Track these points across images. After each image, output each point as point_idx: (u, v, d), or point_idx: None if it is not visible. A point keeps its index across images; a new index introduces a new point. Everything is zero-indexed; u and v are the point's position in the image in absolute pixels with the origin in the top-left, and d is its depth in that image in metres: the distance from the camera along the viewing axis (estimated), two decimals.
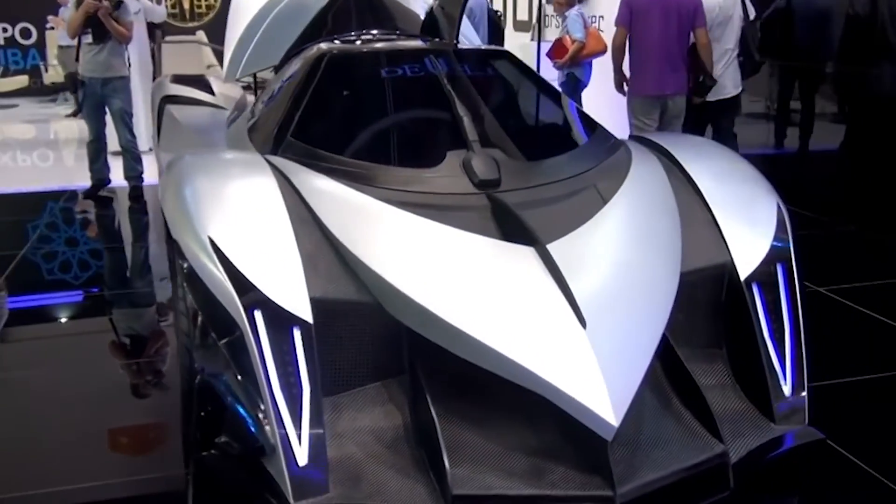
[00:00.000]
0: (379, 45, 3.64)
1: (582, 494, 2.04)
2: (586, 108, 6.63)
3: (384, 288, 2.29)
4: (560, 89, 7.55)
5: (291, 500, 2.05)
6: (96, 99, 6.47)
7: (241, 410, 2.17)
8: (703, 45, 5.18)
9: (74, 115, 6.77)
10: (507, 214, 2.51)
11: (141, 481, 2.59)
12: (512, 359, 2.08)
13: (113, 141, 6.51)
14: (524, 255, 2.35)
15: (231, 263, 2.24)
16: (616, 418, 1.98)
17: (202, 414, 2.33)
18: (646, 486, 2.09)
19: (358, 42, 3.81)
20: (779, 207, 2.76)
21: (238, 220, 2.38)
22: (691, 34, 5.20)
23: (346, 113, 3.16)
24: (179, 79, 5.35)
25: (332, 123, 3.10)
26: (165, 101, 4.83)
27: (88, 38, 6.40)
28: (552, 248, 2.35)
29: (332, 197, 2.59)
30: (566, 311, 2.18)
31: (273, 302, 2.20)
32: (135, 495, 2.55)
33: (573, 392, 2.02)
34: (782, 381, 2.47)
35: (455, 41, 3.55)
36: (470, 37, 4.85)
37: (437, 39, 3.71)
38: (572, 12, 7.15)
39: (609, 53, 5.55)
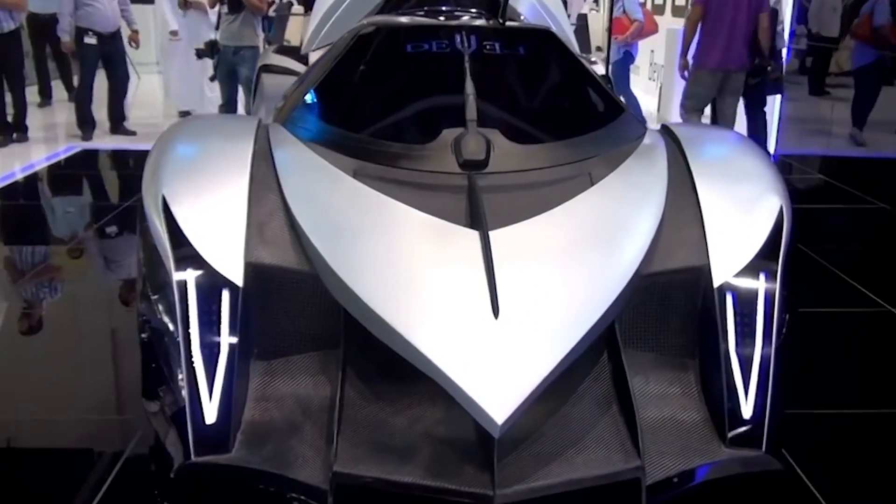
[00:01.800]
0: (426, 20, 3.61)
1: (460, 489, 1.97)
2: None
3: (318, 260, 2.31)
4: (614, 66, 7.74)
5: (192, 455, 2.12)
6: (228, 66, 6.90)
7: (168, 364, 2.26)
8: (763, 28, 5.71)
9: (212, 79, 7.32)
10: (477, 197, 2.45)
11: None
12: (413, 344, 2.03)
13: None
14: (466, 240, 2.28)
15: (174, 220, 2.33)
16: (502, 415, 1.89)
17: (151, 364, 2.44)
18: (534, 490, 1.99)
19: (407, 18, 3.79)
20: (781, 213, 2.50)
21: (194, 181, 2.46)
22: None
23: (357, 87, 3.17)
24: (282, 49, 5.54)
25: (342, 97, 3.11)
26: (262, 70, 5.03)
27: (226, 9, 6.84)
28: (495, 234, 2.27)
29: (300, 166, 2.62)
30: (483, 300, 2.10)
31: (205, 261, 2.27)
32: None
33: (464, 384, 1.94)
34: (742, 402, 2.26)
35: (501, 20, 3.46)
36: (556, 13, 4.72)
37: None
38: None
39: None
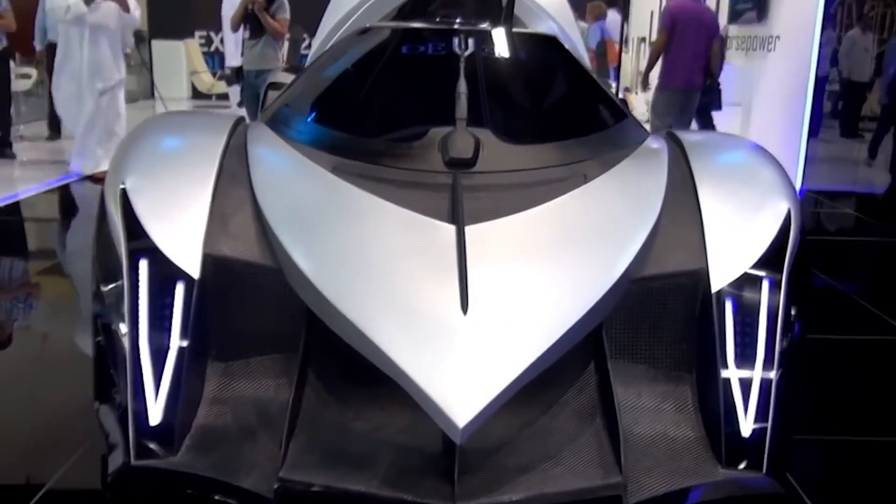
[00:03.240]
0: (423, 25, 3.48)
1: (416, 501, 1.78)
2: None
3: (280, 251, 2.15)
4: None
5: (132, 458, 1.95)
6: (252, 89, 6.86)
7: (115, 363, 2.10)
8: (715, 52, 6.53)
9: (239, 105, 7.30)
10: (460, 195, 2.28)
11: None
12: (372, 340, 1.84)
13: None
14: (439, 234, 2.11)
15: (132, 209, 2.19)
16: (464, 418, 1.69)
17: (101, 365, 2.29)
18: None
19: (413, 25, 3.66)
20: (788, 216, 2.30)
21: (157, 171, 2.32)
22: None
23: (345, 86, 3.02)
24: (291, 69, 5.48)
25: (328, 96, 2.97)
26: (269, 88, 4.94)
27: (247, 34, 6.84)
28: (472, 229, 2.09)
29: (273, 159, 2.48)
30: (451, 295, 1.92)
31: (160, 251, 2.12)
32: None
33: (425, 384, 1.75)
34: (741, 419, 2.04)
35: (505, 26, 3.32)
36: (570, 34, 4.58)
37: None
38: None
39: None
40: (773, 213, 2.30)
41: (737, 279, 2.17)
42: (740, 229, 2.27)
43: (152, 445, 1.95)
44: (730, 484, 1.96)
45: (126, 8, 7.14)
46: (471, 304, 1.88)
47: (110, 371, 2.16)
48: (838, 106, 12.25)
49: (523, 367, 1.80)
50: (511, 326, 1.88)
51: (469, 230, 2.08)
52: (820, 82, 9.88)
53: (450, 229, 2.11)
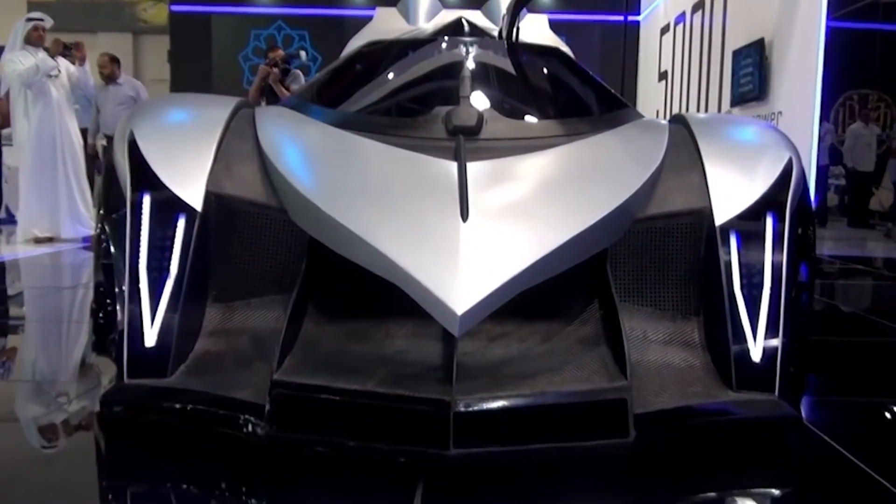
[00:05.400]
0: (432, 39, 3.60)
1: (415, 395, 1.72)
2: None
3: (283, 186, 2.16)
4: None
5: (125, 376, 1.91)
6: None
7: (114, 293, 2.10)
8: None
9: None
10: (462, 155, 2.30)
11: None
12: (374, 246, 1.83)
13: None
14: (442, 167, 2.13)
15: (139, 152, 2.21)
16: (462, 307, 1.66)
17: (100, 312, 2.28)
18: (500, 400, 1.72)
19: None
20: (790, 162, 2.30)
21: (167, 124, 2.37)
22: None
23: (355, 79, 3.11)
24: None
25: (337, 87, 3.05)
26: None
27: (265, 104, 7.04)
28: (473, 164, 2.12)
29: (280, 118, 2.54)
30: (452, 207, 1.92)
31: (164, 185, 2.13)
32: None
33: (424, 278, 1.73)
34: (751, 344, 1.99)
35: (511, 40, 3.45)
36: None
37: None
38: None
39: None
40: (774, 159, 2.31)
41: (741, 213, 2.15)
42: (742, 173, 2.27)
43: (146, 366, 1.92)
44: (740, 404, 1.90)
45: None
46: (470, 214, 1.88)
47: (107, 311, 2.15)
48: (844, 199, 12.34)
49: (521, 267, 1.78)
50: (509, 233, 1.87)
51: (471, 165, 2.10)
52: (821, 171, 10.03)
53: (451, 164, 2.12)
